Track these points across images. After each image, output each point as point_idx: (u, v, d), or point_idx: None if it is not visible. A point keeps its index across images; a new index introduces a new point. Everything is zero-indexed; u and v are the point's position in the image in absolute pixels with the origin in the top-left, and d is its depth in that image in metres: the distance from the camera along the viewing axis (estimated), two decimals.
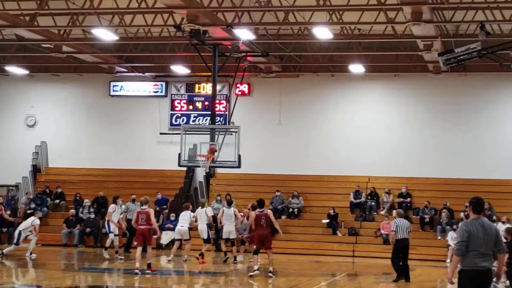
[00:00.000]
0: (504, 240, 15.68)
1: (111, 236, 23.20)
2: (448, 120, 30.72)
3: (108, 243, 23.44)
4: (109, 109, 33.88)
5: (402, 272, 18.15)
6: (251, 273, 18.24)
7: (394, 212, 20.28)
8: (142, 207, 18.81)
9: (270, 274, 18.09)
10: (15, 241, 22.79)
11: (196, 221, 23.03)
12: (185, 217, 23.20)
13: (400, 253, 18.22)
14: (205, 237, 23.04)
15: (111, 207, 23.50)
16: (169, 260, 22.66)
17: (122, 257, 22.76)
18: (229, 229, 23.05)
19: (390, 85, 31.63)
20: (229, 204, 24.04)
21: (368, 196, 29.76)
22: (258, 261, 18.40)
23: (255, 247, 18.49)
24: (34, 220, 23.03)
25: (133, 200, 25.90)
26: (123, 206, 27.00)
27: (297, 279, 19.12)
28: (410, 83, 31.28)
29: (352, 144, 31.23)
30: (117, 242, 23.27)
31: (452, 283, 9.25)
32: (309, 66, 31.18)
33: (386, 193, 29.55)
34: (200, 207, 23.77)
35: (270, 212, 18.71)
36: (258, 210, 18.54)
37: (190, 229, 23.14)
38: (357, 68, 30.26)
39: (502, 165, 29.47)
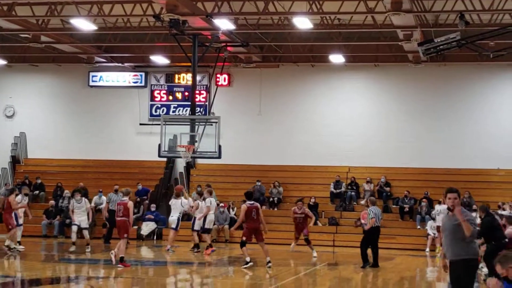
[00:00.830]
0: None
1: (74, 228, 22.58)
2: (428, 110, 30.85)
3: (73, 237, 22.56)
4: (88, 100, 33.67)
5: (368, 259, 18.84)
6: (245, 266, 18.03)
7: (366, 200, 20.41)
8: (122, 199, 18.68)
9: (269, 265, 18.05)
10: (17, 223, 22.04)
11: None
12: (176, 206, 23.12)
13: (372, 240, 18.73)
14: (174, 226, 22.92)
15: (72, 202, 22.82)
16: (168, 250, 22.51)
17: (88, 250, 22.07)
18: (210, 219, 22.86)
19: (370, 75, 31.71)
20: (200, 195, 23.47)
21: (348, 186, 29.86)
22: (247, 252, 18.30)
23: (244, 238, 18.30)
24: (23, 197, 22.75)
25: (116, 191, 25.76)
26: (103, 197, 26.95)
27: (277, 269, 19.12)
28: (390, 73, 31.38)
29: (332, 134, 31.28)
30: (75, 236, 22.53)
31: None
32: (289, 56, 31.14)
33: (368, 182, 29.66)
34: (173, 197, 23.62)
35: (259, 205, 18.61)
36: (248, 202, 18.40)
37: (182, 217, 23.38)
38: (337, 58, 30.27)
39: (481, 155, 29.67)
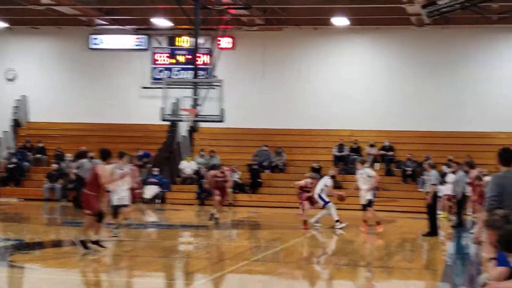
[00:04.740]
0: None
1: None
2: (431, 73, 30.72)
3: None
4: (89, 63, 33.50)
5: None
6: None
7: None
8: (93, 162, 16.87)
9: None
10: None
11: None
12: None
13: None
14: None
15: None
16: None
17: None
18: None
19: (373, 38, 31.51)
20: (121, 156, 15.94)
21: (351, 150, 29.83)
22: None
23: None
24: None
25: (91, 158, 22.93)
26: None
27: (281, 232, 19.22)
28: (393, 36, 31.17)
29: (335, 98, 31.18)
30: None
31: (479, 243, 8.93)
32: (292, 19, 30.90)
33: (370, 146, 29.62)
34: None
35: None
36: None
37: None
38: (340, 21, 30.05)
39: (483, 118, 29.60)
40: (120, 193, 15.74)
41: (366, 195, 19.15)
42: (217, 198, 19.85)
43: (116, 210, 15.91)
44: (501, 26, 28.68)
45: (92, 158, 22.41)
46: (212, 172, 20.88)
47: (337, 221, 19.42)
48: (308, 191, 19.34)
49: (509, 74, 30.10)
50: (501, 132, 29.27)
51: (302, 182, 19.55)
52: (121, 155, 15.90)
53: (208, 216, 20.26)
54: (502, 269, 7.00)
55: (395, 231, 19.88)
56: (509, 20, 26.51)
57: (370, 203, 19.15)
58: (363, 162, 19.93)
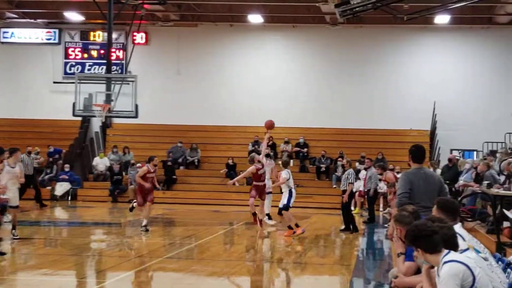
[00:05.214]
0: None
1: None
2: (344, 71, 31.23)
3: None
4: None
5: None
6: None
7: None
8: None
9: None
10: None
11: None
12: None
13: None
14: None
15: None
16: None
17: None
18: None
19: (289, 36, 31.78)
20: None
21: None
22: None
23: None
24: None
25: (29, 153, 25.01)
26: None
27: (195, 228, 19.15)
28: (308, 34, 31.52)
29: (251, 95, 31.30)
30: None
31: (391, 239, 8.96)
32: (208, 15, 30.84)
33: (285, 142, 29.87)
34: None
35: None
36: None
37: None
38: (255, 18, 30.17)
39: (394, 116, 30.26)
40: (8, 193, 14.73)
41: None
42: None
43: (3, 210, 15.32)
44: (411, 26, 29.38)
45: None
46: (145, 168, 17.74)
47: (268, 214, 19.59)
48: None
49: (419, 73, 30.91)
50: (412, 130, 30.00)
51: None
52: (11, 152, 14.77)
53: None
54: (410, 264, 7.18)
55: (308, 227, 20.07)
56: (419, 20, 27.19)
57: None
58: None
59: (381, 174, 20.06)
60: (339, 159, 28.18)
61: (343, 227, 18.65)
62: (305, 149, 29.89)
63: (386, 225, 18.87)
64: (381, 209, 24.72)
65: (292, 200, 17.33)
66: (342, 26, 30.19)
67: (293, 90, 31.33)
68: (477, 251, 6.36)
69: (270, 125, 19.49)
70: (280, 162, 19.37)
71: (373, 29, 30.92)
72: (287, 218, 17.32)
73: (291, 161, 29.26)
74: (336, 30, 30.60)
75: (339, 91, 31.07)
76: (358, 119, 30.45)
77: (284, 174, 17.50)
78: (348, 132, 30.34)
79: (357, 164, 26.77)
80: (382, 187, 22.46)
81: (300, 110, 30.96)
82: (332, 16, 28.70)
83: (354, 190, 19.42)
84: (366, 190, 21.80)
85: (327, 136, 30.46)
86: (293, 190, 17.52)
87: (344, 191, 18.37)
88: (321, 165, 28.90)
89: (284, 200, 17.44)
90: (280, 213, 18.09)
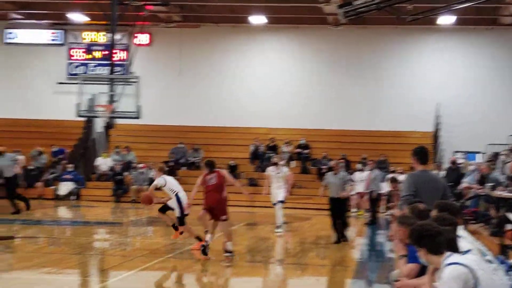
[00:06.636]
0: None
1: None
2: (346, 73, 31.28)
3: None
4: (4, 58, 32.76)
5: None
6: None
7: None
8: None
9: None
10: None
11: None
12: None
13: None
14: None
15: None
16: None
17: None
18: None
19: (291, 37, 31.85)
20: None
21: (268, 147, 30.06)
22: None
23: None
24: None
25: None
26: (19, 157, 26.17)
27: (196, 229, 19.19)
28: (311, 35, 31.59)
29: (253, 96, 31.40)
30: None
31: (393, 241, 8.94)
32: (210, 16, 30.93)
33: (286, 143, 29.95)
34: None
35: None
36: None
37: None
38: (258, 19, 30.27)
39: (397, 117, 30.29)
40: None
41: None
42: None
43: None
44: (414, 27, 29.39)
45: None
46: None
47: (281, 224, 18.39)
48: None
49: (422, 74, 30.95)
50: (415, 131, 30.04)
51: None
52: None
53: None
54: (412, 266, 7.20)
55: (309, 228, 20.17)
56: (422, 21, 27.19)
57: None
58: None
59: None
60: (341, 160, 28.28)
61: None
62: (307, 151, 29.96)
63: (387, 228, 18.89)
64: (382, 210, 24.76)
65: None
66: (345, 27, 30.25)
67: (294, 91, 31.40)
68: (484, 254, 6.36)
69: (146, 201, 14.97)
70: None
71: (376, 30, 30.97)
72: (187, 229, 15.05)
73: (293, 162, 29.37)
74: (339, 31, 30.68)
75: (341, 92, 31.14)
76: (360, 121, 30.50)
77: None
78: (350, 134, 30.39)
79: (358, 166, 26.83)
80: (384, 188, 22.45)
81: (302, 111, 31.01)
82: (334, 17, 28.75)
83: (351, 192, 19.06)
84: (368, 191, 21.83)
85: (329, 137, 30.51)
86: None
87: (333, 198, 16.79)
88: (322, 167, 28.95)
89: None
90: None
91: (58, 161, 28.97)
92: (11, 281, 11.04)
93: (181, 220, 14.67)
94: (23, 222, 15.82)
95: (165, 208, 14.98)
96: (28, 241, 15.36)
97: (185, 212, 14.66)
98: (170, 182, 14.93)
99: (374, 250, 17.18)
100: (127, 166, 29.06)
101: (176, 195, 14.70)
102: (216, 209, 13.72)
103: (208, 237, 13.59)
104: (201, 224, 13.89)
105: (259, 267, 13.56)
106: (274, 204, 18.47)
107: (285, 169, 18.94)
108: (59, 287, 10.79)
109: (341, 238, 16.48)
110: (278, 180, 18.37)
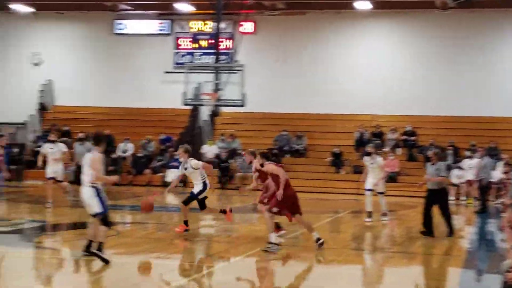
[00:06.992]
0: None
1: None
2: (454, 57, 30.50)
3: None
4: (114, 48, 33.74)
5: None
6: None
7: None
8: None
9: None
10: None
11: None
12: None
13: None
14: None
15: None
16: None
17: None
18: None
19: (396, 22, 31.34)
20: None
21: (373, 134, 29.75)
22: None
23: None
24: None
25: (81, 139, 24.24)
26: (129, 145, 26.93)
27: (304, 216, 19.21)
28: (417, 19, 30.97)
29: (357, 83, 31.11)
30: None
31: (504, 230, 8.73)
32: (315, 3, 30.81)
33: (392, 130, 29.54)
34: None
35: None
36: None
37: None
38: (363, 4, 29.93)
39: (507, 103, 29.34)
40: None
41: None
42: None
43: None
44: None
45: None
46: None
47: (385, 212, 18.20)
48: None
49: None
50: None
51: None
52: None
53: None
54: None
55: (415, 217, 19.83)
56: None
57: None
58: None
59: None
60: (449, 147, 27.67)
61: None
62: (413, 137, 29.45)
63: (498, 217, 18.36)
64: (493, 199, 24.07)
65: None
66: (453, 10, 29.50)
67: (399, 78, 30.90)
68: None
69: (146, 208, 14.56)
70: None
71: (485, 14, 30.02)
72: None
73: (399, 149, 28.96)
74: (446, 15, 29.94)
75: (448, 78, 30.41)
76: (468, 107, 29.65)
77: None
78: (457, 120, 29.67)
79: (466, 153, 26.19)
80: (495, 176, 21.75)
81: (407, 98, 30.49)
82: (442, 0, 28.10)
83: (457, 182, 18.53)
84: (478, 179, 21.27)
85: (436, 124, 29.87)
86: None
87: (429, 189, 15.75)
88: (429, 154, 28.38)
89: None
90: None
91: (166, 149, 29.64)
92: (124, 265, 11.39)
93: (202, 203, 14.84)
94: (132, 208, 16.25)
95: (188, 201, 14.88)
96: (137, 226, 15.79)
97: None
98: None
99: (484, 239, 16.75)
100: (232, 153, 29.42)
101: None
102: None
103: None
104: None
105: (364, 255, 13.46)
106: (368, 190, 17.95)
107: (379, 159, 18.26)
108: (168, 271, 11.07)
109: (450, 233, 15.52)
110: (373, 170, 17.96)
